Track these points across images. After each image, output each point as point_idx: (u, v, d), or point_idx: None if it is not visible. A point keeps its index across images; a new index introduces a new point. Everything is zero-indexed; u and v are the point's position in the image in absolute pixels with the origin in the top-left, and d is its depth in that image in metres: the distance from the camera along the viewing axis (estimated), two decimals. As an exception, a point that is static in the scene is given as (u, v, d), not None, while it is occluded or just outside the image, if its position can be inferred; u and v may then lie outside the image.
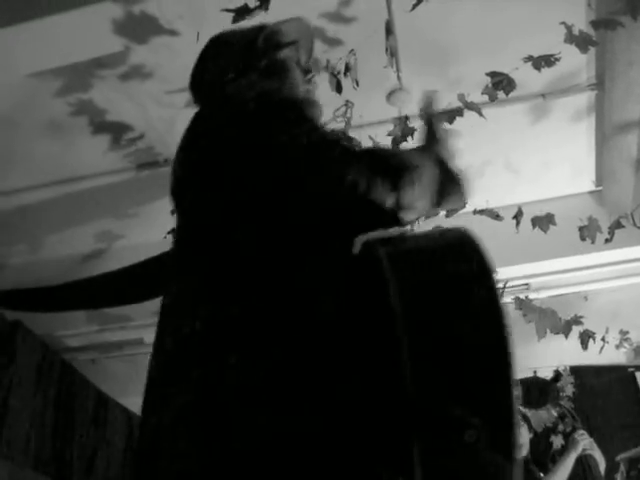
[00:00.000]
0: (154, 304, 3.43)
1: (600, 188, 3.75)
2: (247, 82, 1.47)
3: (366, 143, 2.93)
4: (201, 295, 1.17)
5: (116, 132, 3.29)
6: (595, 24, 2.69)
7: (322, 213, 1.16)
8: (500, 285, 3.50)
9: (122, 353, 4.51)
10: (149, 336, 4.20)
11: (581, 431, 4.30)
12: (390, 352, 0.96)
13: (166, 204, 3.08)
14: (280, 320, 1.06)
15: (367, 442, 0.95)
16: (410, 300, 0.98)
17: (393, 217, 1.18)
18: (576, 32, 2.66)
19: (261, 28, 1.64)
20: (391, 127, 2.95)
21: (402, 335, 0.95)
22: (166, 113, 3.19)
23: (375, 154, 1.27)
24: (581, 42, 2.67)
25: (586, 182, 3.77)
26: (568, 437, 4.38)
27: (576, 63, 3.02)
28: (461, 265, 1.04)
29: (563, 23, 2.65)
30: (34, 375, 4.21)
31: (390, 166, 1.20)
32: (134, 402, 4.88)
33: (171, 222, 3.10)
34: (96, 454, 4.59)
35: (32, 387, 4.17)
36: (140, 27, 2.58)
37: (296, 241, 1.15)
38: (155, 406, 1.14)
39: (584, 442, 4.12)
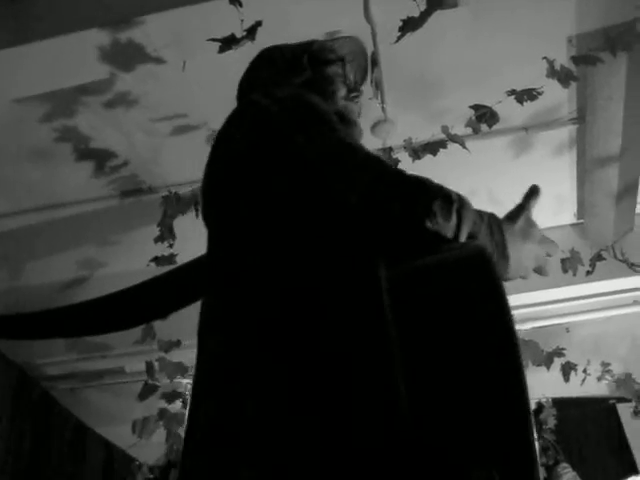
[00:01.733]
0: (135, 333, 3.42)
1: (582, 221, 3.79)
2: (272, 90, 1.37)
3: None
4: (222, 318, 1.13)
5: (100, 159, 3.29)
6: (576, 60, 2.74)
7: (340, 227, 1.08)
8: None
9: (102, 382, 4.45)
10: (130, 365, 4.18)
11: (564, 464, 4.29)
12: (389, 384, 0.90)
13: (149, 232, 3.10)
14: (285, 342, 1.01)
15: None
16: (409, 322, 0.92)
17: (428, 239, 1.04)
18: (558, 67, 2.71)
19: (311, 43, 1.63)
20: (375, 158, 2.96)
21: (399, 365, 0.90)
22: (151, 141, 3.20)
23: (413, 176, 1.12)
24: (562, 77, 2.71)
25: (568, 215, 3.80)
26: (551, 470, 4.37)
27: (558, 97, 3.06)
28: (465, 284, 0.96)
29: (545, 58, 2.69)
30: (10, 404, 4.14)
31: (424, 184, 1.09)
32: (113, 432, 4.82)
33: (154, 250, 3.11)
34: (73, 485, 4.51)
35: (8, 416, 4.10)
36: (126, 55, 2.58)
37: (312, 258, 1.08)
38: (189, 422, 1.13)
39: (567, 476, 4.12)
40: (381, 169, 1.11)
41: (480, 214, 1.13)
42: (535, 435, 0.85)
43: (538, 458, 0.85)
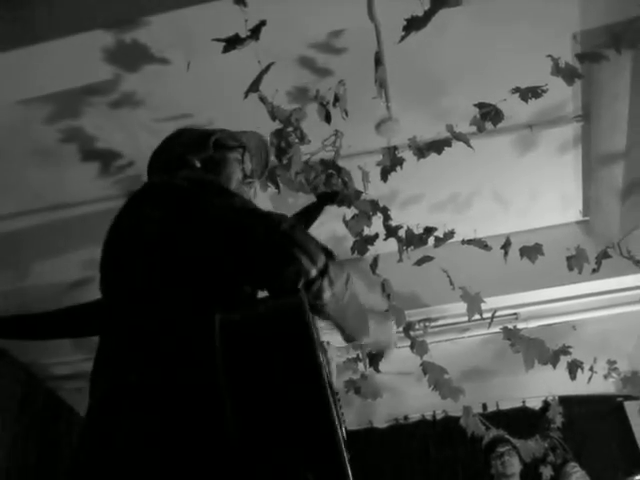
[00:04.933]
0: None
1: (587, 218, 3.78)
2: (183, 173, 1.57)
3: (355, 173, 2.95)
4: (107, 362, 1.32)
5: (105, 160, 3.30)
6: (581, 57, 2.73)
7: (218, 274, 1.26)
8: (488, 315, 3.51)
9: (108, 382, 4.46)
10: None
11: (573, 463, 4.30)
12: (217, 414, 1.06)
13: (155, 232, 3.09)
14: (145, 390, 1.18)
15: None
16: (234, 365, 1.07)
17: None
18: (562, 65, 2.70)
19: (220, 130, 1.84)
20: (380, 157, 2.96)
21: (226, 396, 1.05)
22: (156, 141, 3.17)
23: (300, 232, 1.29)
24: (567, 74, 2.71)
25: (573, 212, 3.80)
26: (559, 469, 4.37)
27: (563, 95, 3.06)
28: (283, 333, 1.11)
29: (550, 56, 2.68)
30: (17, 404, 4.16)
31: (314, 247, 1.24)
32: (120, 431, 4.83)
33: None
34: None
35: (15, 416, 4.12)
36: (131, 55, 2.59)
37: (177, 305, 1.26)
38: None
39: (576, 475, 4.12)
40: (279, 218, 1.26)
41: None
42: (343, 447, 1.03)
43: (347, 465, 1.02)
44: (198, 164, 1.72)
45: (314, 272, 1.20)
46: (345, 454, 1.02)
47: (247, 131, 1.91)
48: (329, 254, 1.26)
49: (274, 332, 1.11)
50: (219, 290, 1.27)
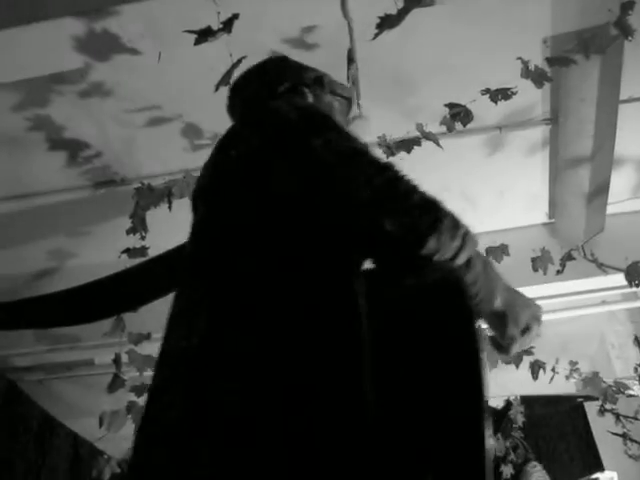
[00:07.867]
0: (105, 325, 3.39)
1: (553, 220, 3.82)
2: (293, 99, 1.46)
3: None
4: (203, 307, 1.14)
5: (73, 149, 3.26)
6: (550, 61, 2.76)
7: (334, 226, 1.13)
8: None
9: (71, 374, 4.41)
10: (99, 357, 4.14)
11: (533, 462, 4.35)
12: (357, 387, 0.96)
13: (121, 224, 3.07)
14: (266, 345, 1.04)
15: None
16: (383, 344, 0.97)
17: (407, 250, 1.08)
18: (532, 68, 2.73)
19: (324, 74, 1.71)
20: (350, 154, 2.96)
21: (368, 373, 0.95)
22: (124, 132, 3.17)
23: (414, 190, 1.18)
24: (536, 77, 2.74)
25: (540, 214, 3.84)
26: (519, 468, 4.42)
27: (532, 98, 3.09)
28: (438, 311, 1.01)
29: (520, 58, 2.71)
30: (-23, 395, 4.10)
31: (427, 202, 1.15)
32: (81, 424, 4.78)
33: (125, 242, 3.09)
34: (39, 478, 4.47)
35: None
36: (101, 44, 2.56)
37: (300, 258, 1.13)
38: (149, 415, 1.11)
39: (536, 474, 4.18)
40: (397, 174, 1.17)
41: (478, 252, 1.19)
42: (490, 444, 0.91)
43: (489, 464, 0.90)
44: (310, 99, 1.60)
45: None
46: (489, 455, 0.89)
47: (345, 85, 1.80)
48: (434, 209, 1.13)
49: (432, 315, 0.99)
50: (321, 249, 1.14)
